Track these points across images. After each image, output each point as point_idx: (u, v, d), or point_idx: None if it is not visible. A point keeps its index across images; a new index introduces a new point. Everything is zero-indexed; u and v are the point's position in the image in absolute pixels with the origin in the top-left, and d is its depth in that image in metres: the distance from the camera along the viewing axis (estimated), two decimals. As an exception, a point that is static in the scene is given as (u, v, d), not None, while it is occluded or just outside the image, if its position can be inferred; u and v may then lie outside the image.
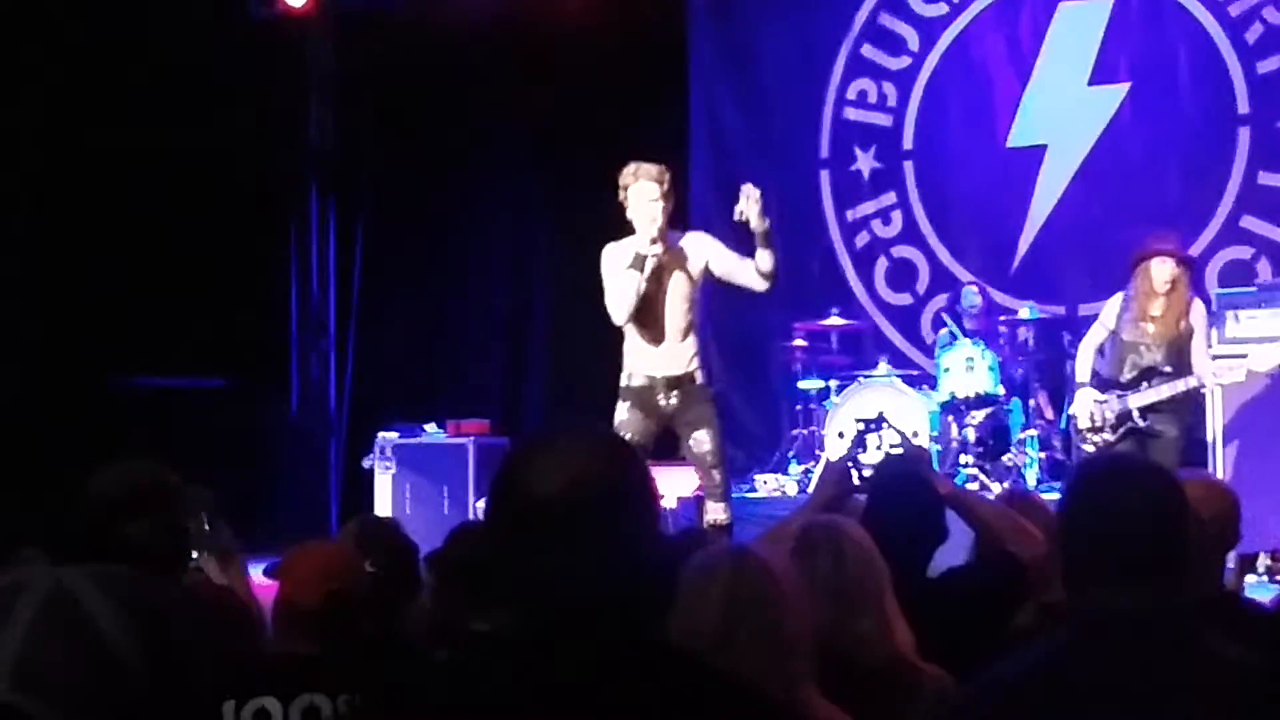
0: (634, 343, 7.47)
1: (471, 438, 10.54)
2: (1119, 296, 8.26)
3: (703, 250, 7.46)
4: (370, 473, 10.69)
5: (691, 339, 7.44)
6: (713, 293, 12.24)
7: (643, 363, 7.43)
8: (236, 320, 11.62)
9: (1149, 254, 8.06)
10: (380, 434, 10.78)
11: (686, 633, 2.73)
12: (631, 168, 7.55)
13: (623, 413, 7.41)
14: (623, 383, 7.55)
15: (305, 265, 12.50)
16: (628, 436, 7.23)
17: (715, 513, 7.26)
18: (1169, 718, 2.30)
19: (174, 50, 10.99)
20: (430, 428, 10.85)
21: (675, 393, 7.33)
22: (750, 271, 7.37)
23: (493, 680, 1.93)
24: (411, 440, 10.74)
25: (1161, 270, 8.00)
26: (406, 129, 12.25)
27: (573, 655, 1.91)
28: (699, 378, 7.42)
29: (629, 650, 1.92)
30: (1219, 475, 8.40)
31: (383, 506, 10.44)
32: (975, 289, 10.56)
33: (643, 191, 7.42)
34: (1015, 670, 2.49)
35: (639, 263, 7.27)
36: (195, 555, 4.28)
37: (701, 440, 7.27)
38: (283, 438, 12.27)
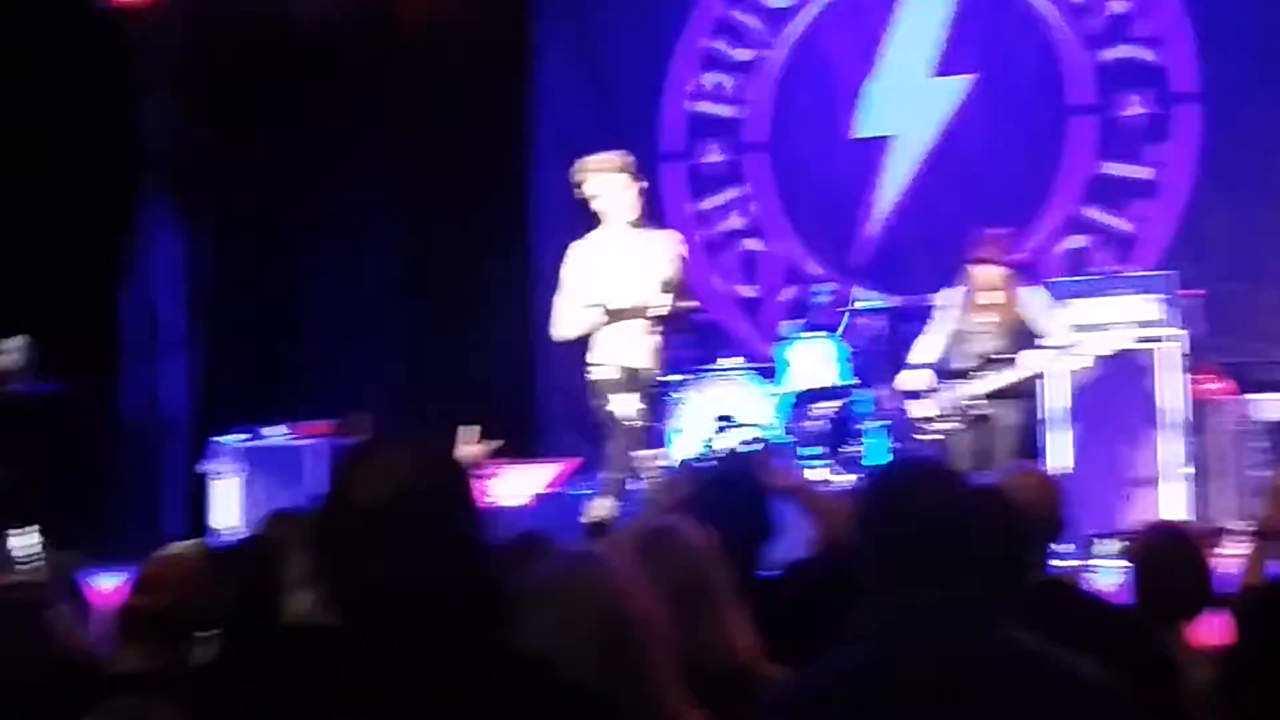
0: (603, 336, 7.45)
1: (317, 439, 10.37)
2: (958, 289, 8.35)
3: (671, 252, 7.46)
4: (210, 478, 10.48)
5: (657, 332, 7.43)
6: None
7: (614, 355, 7.42)
8: (74, 321, 11.34)
9: (974, 259, 8.17)
10: (222, 437, 10.58)
11: (551, 642, 2.68)
12: (587, 163, 7.61)
13: (623, 406, 7.39)
14: (597, 376, 7.53)
15: (145, 264, 12.23)
16: (637, 426, 7.37)
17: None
18: (972, 714, 2.30)
19: (12, 37, 10.68)
20: (276, 430, 10.66)
21: (656, 386, 7.46)
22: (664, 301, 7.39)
23: (325, 688, 1.94)
24: (256, 443, 10.54)
25: (988, 273, 8.12)
26: (251, 125, 12.03)
27: (402, 661, 1.92)
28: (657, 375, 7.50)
29: (462, 655, 1.94)
30: (1059, 457, 8.54)
31: (225, 511, 10.24)
32: (830, 286, 10.58)
33: (609, 184, 7.43)
34: (824, 673, 2.49)
35: (603, 310, 7.30)
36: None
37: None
38: (124, 442, 12.00)
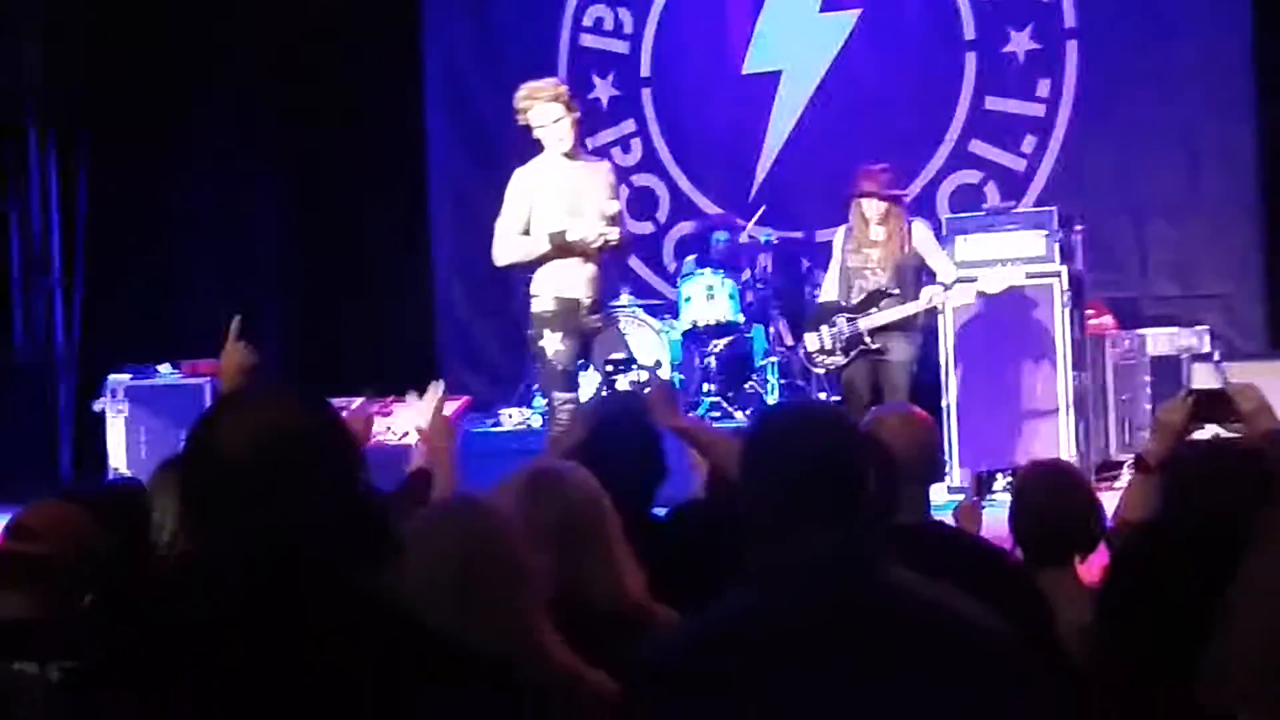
0: (546, 265, 7.38)
1: (207, 378, 10.24)
2: (845, 226, 8.41)
3: (608, 181, 7.50)
4: (103, 416, 10.34)
5: (595, 264, 7.41)
6: (455, 221, 12.18)
7: (558, 284, 7.34)
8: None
9: (856, 194, 8.21)
10: (111, 375, 10.42)
11: (417, 585, 2.67)
12: (525, 90, 7.49)
13: (545, 338, 7.33)
14: (535, 309, 7.44)
15: (25, 201, 11.98)
16: (560, 368, 7.28)
17: None
18: (858, 658, 2.31)
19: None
20: (164, 368, 10.52)
21: (597, 315, 7.39)
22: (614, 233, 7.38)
23: (191, 637, 1.93)
24: (145, 381, 10.38)
25: (871, 206, 8.16)
26: (138, 63, 11.80)
27: (272, 610, 1.91)
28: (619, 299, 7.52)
29: (331, 603, 1.92)
30: (951, 393, 8.63)
31: (115, 451, 10.11)
32: (726, 233, 10.56)
33: (546, 112, 7.34)
34: (709, 622, 2.49)
35: (559, 239, 7.22)
36: None
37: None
38: (7, 381, 11.79)
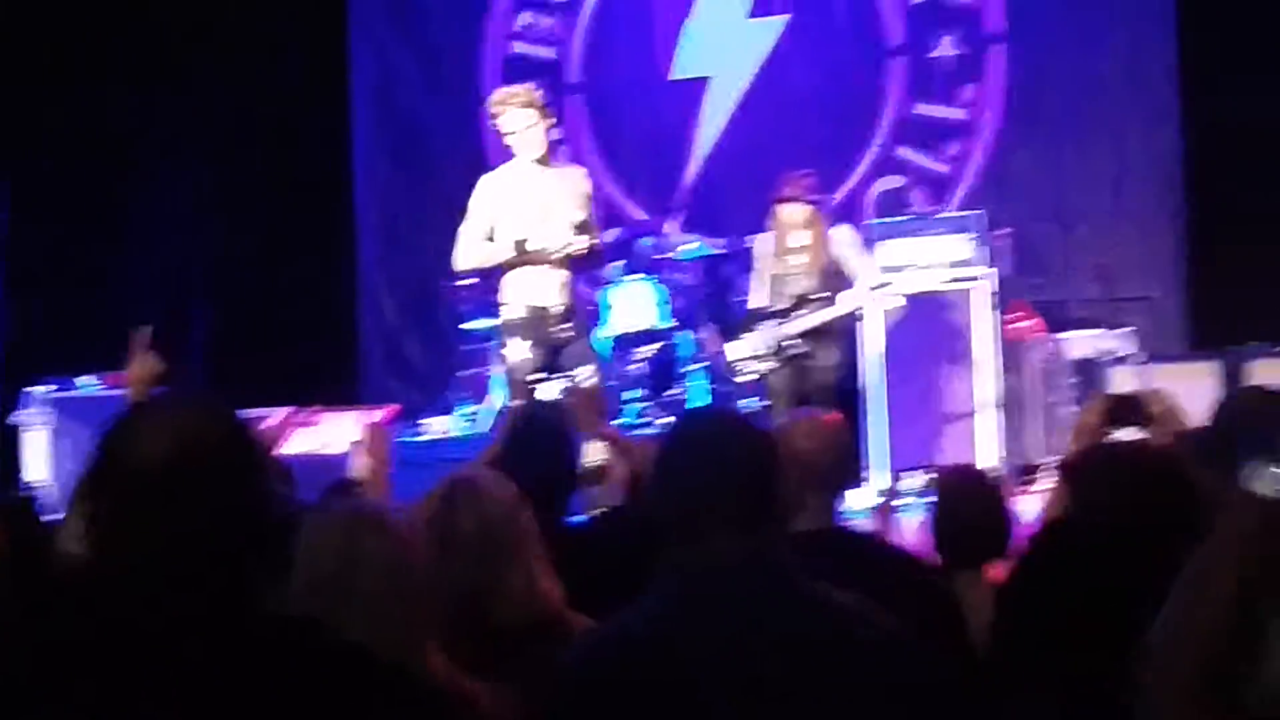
0: (513, 275, 7.28)
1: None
2: (769, 232, 8.41)
3: (579, 190, 7.37)
4: (23, 429, 10.22)
5: (566, 271, 7.29)
6: (382, 229, 12.14)
7: (526, 294, 7.24)
8: None
9: (778, 199, 8.22)
10: (33, 387, 10.30)
11: (306, 588, 2.64)
12: (498, 95, 7.39)
13: (515, 352, 7.23)
14: (503, 316, 7.37)
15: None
16: (519, 377, 7.19)
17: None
18: (770, 665, 2.31)
19: None
20: (87, 379, 10.41)
21: (568, 324, 7.27)
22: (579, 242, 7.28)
23: (85, 647, 1.90)
24: (67, 394, 10.27)
25: (792, 212, 8.16)
26: (58, 71, 11.69)
27: (164, 619, 1.89)
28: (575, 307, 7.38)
29: (222, 613, 1.91)
30: (875, 396, 8.66)
31: (36, 464, 9.98)
32: (652, 239, 10.56)
33: (518, 118, 7.19)
34: (623, 627, 2.48)
35: (522, 248, 7.11)
36: None
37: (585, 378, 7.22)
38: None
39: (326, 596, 2.63)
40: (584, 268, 7.74)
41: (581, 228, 7.23)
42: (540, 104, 7.23)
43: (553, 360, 7.28)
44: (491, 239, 7.33)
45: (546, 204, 7.19)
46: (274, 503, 2.06)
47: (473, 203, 7.39)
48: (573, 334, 7.31)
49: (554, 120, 7.37)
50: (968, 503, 3.91)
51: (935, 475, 4.35)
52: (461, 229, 7.45)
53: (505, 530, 3.32)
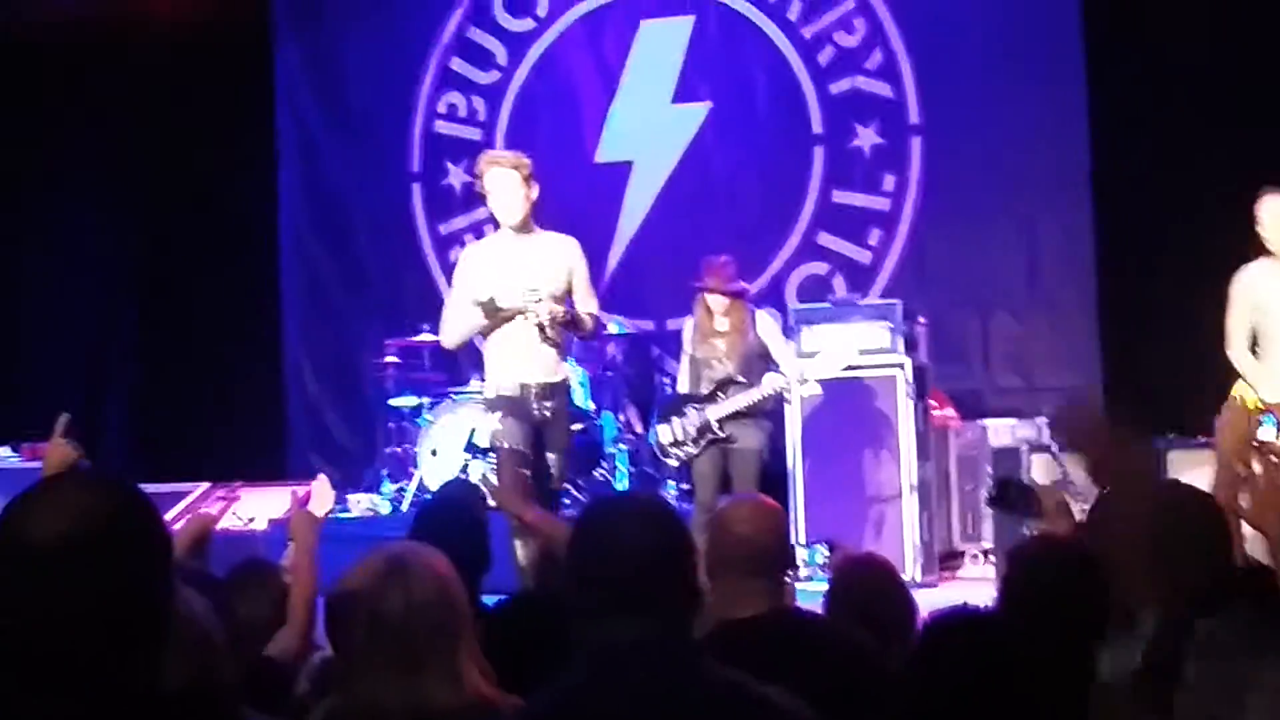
0: (498, 349, 7.10)
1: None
2: (692, 317, 8.47)
3: (570, 260, 7.18)
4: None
5: (557, 345, 7.11)
6: (306, 303, 12.11)
7: (511, 370, 7.07)
8: None
9: (700, 289, 8.29)
10: (-55, 460, 10.18)
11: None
12: (486, 155, 7.30)
13: (499, 423, 7.05)
14: (489, 393, 7.22)
15: None
16: (509, 445, 6.98)
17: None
18: None
19: None
20: (3, 450, 10.30)
21: (549, 403, 7.06)
22: (584, 314, 7.16)
23: None
24: (-19, 466, 10.17)
25: (714, 301, 8.24)
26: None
27: (67, 706, 1.88)
28: (565, 381, 7.24)
29: (114, 692, 1.90)
30: (797, 481, 8.72)
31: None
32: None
33: (498, 181, 7.04)
34: (534, 706, 2.52)
35: (491, 307, 6.90)
36: None
37: (554, 465, 7.07)
38: None
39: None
40: (580, 339, 7.69)
41: (557, 295, 7.00)
42: (525, 172, 7.05)
43: (539, 438, 7.05)
44: None
45: (530, 271, 6.98)
46: (170, 581, 2.04)
47: (456, 275, 7.25)
48: (550, 412, 7.06)
49: (535, 190, 7.08)
50: (864, 589, 3.95)
51: (833, 552, 4.36)
52: (447, 302, 7.36)
53: (434, 612, 3.31)
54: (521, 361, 7.06)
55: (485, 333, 7.11)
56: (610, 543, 2.50)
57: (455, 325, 7.24)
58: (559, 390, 7.16)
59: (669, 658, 2.44)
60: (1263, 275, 7.38)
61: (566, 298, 7.09)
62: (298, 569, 4.14)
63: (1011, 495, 4.00)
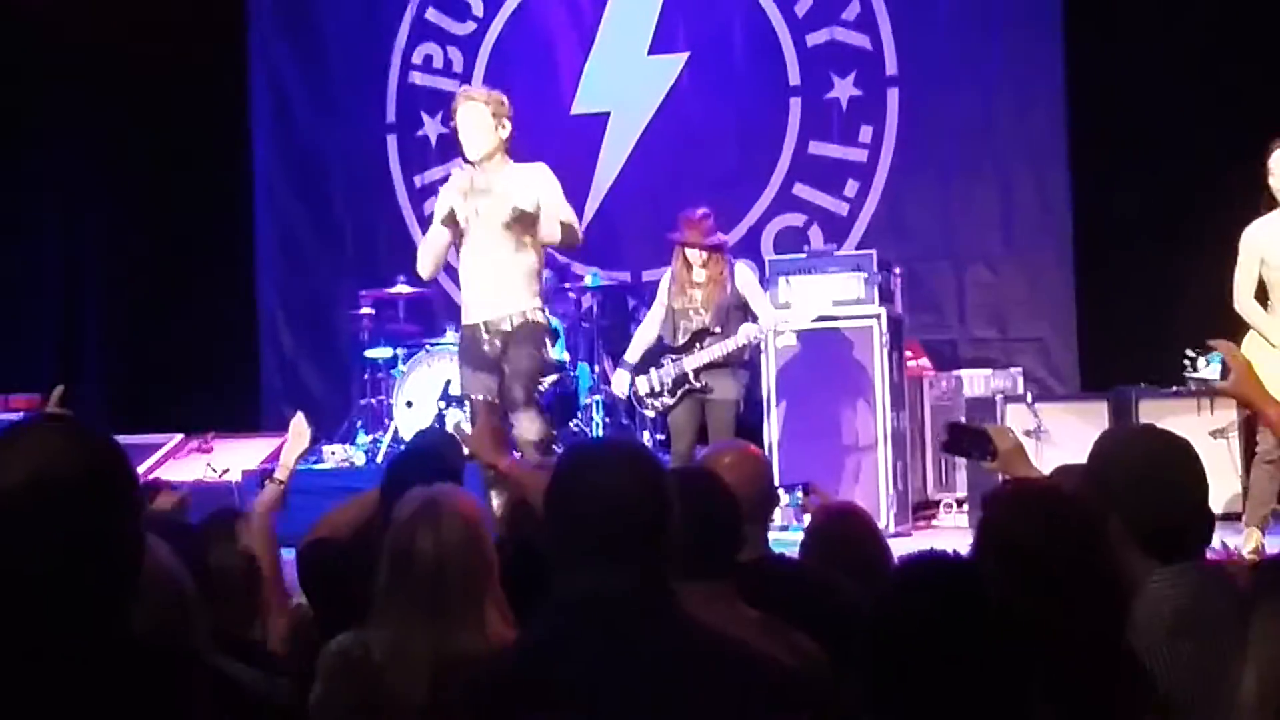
0: (463, 290, 7.13)
1: (21, 413, 10.03)
2: (669, 268, 8.49)
3: (538, 182, 6.98)
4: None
5: (518, 278, 6.98)
6: (280, 256, 12.08)
7: (470, 309, 7.06)
8: None
9: (678, 242, 8.30)
10: (-80, 412, 10.16)
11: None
12: (461, 89, 7.27)
13: (460, 378, 7.06)
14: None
15: None
16: (476, 395, 6.97)
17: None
18: (647, 691, 2.35)
19: None
20: (-21, 403, 10.28)
21: (498, 340, 6.97)
22: (553, 224, 6.97)
23: None
24: (-45, 418, 10.14)
25: (692, 253, 8.27)
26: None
27: (34, 647, 1.90)
28: (527, 317, 7.00)
29: (82, 640, 1.92)
30: (773, 431, 8.75)
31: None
32: (549, 271, 10.55)
33: (467, 115, 7.00)
34: (515, 653, 2.52)
35: (450, 218, 6.90)
36: None
37: (510, 388, 6.91)
38: None
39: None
40: (558, 248, 7.55)
41: (525, 215, 6.87)
42: (496, 108, 7.00)
43: (499, 380, 6.97)
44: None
45: (497, 195, 6.93)
46: (137, 527, 2.04)
47: (435, 209, 7.24)
48: (498, 347, 6.96)
49: (507, 128, 7.05)
50: (840, 537, 3.96)
51: (808, 497, 4.35)
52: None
53: (463, 556, 3.25)
54: (479, 300, 7.06)
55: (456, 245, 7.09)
56: (589, 489, 2.49)
57: (424, 250, 7.24)
58: (518, 327, 6.99)
59: (647, 606, 2.43)
60: (1271, 229, 7.35)
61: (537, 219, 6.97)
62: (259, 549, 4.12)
63: (963, 439, 3.99)
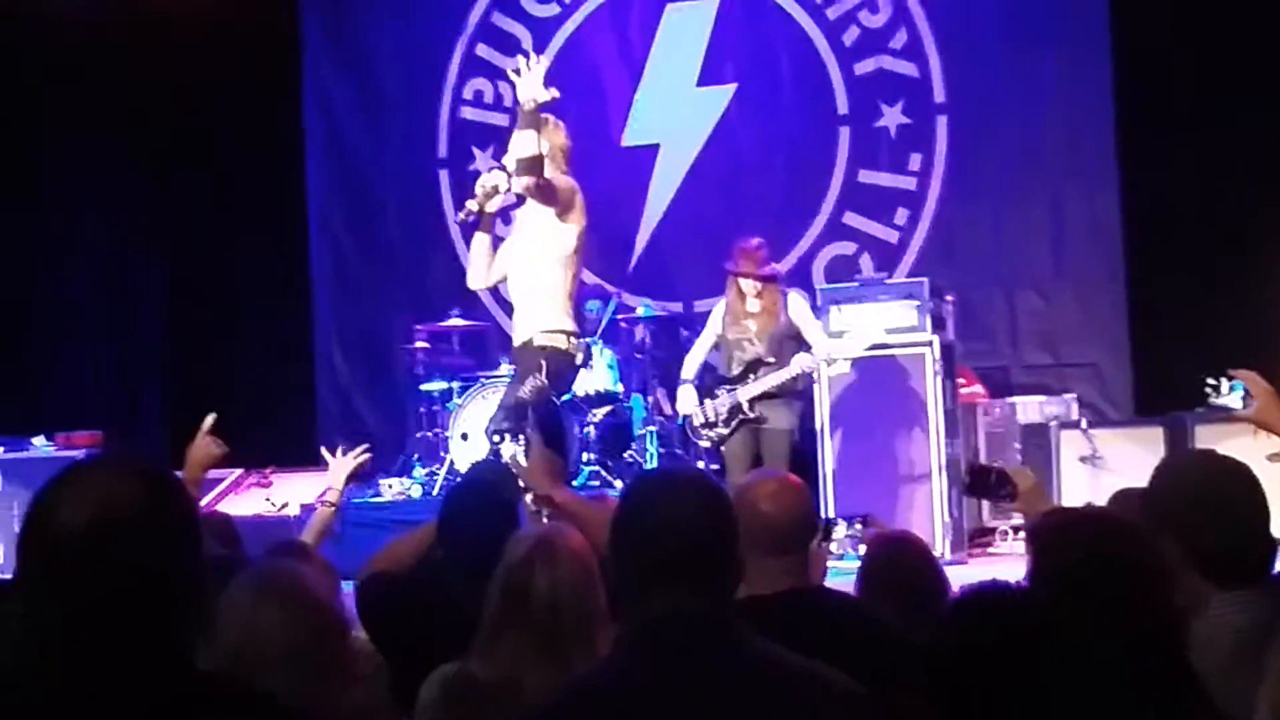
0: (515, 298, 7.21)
1: (83, 450, 10.10)
2: (723, 298, 8.52)
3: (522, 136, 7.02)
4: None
5: (547, 299, 7.05)
6: (335, 289, 12.16)
7: (515, 331, 7.17)
8: None
9: (732, 273, 8.34)
10: (-18, 448, 10.25)
11: (219, 650, 2.70)
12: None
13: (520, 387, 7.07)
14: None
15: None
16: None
17: None
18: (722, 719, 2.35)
19: None
20: (38, 440, 10.35)
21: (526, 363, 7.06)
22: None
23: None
24: (18, 454, 10.21)
25: (746, 283, 8.30)
26: (8, 121, 11.68)
27: (99, 687, 1.90)
28: (548, 341, 7.02)
29: (148, 675, 1.92)
30: (828, 460, 8.75)
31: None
32: (600, 303, 10.61)
33: (515, 140, 7.10)
34: (581, 681, 2.53)
35: (484, 224, 7.04)
36: None
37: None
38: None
39: (233, 659, 2.67)
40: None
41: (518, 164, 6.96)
42: (541, 129, 7.07)
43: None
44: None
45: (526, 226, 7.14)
46: (199, 565, 2.03)
47: None
48: (541, 368, 6.98)
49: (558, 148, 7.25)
50: (897, 567, 3.95)
51: (865, 528, 4.34)
52: None
53: (578, 594, 3.26)
54: (515, 324, 7.18)
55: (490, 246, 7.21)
56: (657, 517, 2.48)
57: (469, 264, 7.41)
58: (541, 347, 7.03)
59: (716, 632, 2.43)
60: None
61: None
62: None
63: (986, 480, 4.00)
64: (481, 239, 7.20)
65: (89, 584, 1.89)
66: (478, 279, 7.43)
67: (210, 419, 4.89)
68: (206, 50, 11.52)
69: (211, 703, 1.98)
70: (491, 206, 7.11)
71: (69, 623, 1.91)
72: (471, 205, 7.09)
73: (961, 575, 4.65)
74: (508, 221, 8.12)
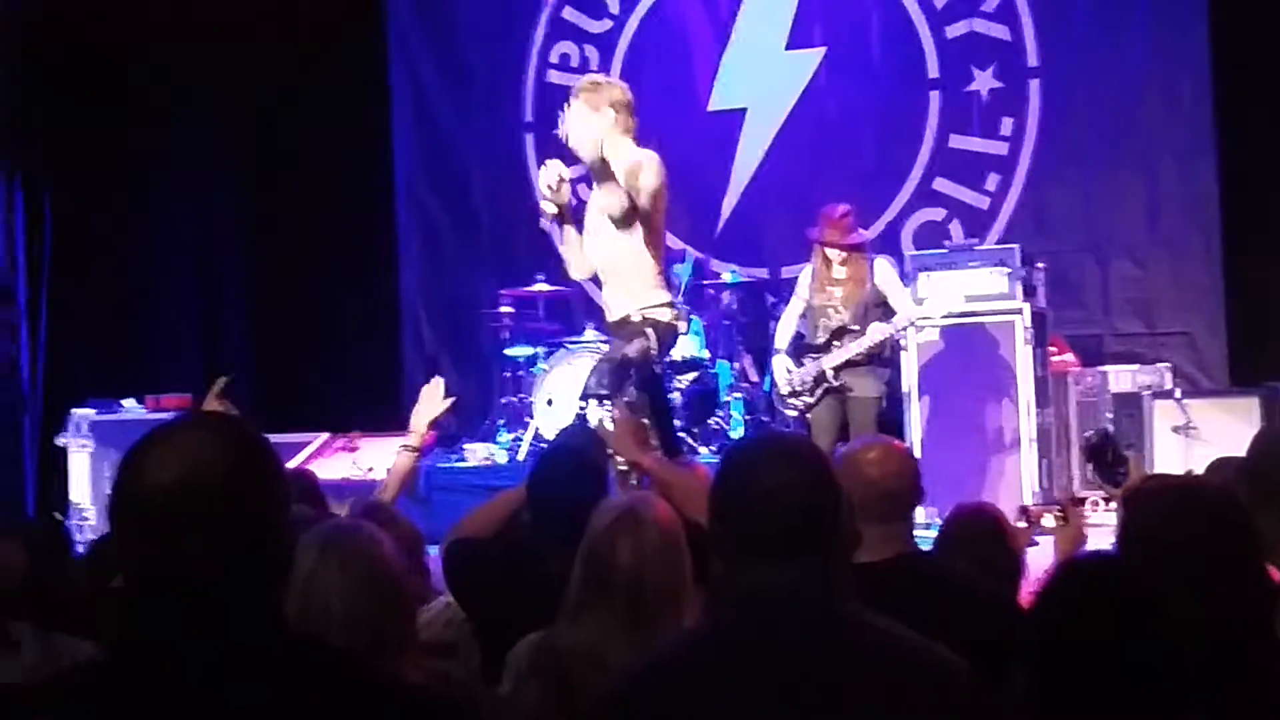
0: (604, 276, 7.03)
1: (172, 412, 10.20)
2: (809, 265, 8.46)
3: (625, 166, 6.78)
4: (67, 452, 10.28)
5: (634, 275, 6.84)
6: (422, 256, 12.20)
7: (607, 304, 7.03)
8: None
9: (818, 241, 8.25)
10: (75, 410, 10.38)
11: (304, 610, 2.72)
12: (579, 81, 7.06)
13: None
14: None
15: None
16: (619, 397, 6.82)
17: None
18: (818, 692, 2.32)
19: None
20: (129, 402, 10.47)
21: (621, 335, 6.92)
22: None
23: (123, 678, 1.92)
24: (109, 416, 10.32)
25: (832, 250, 8.22)
26: (98, 90, 11.77)
27: (191, 645, 1.91)
28: (645, 315, 6.82)
29: (244, 635, 1.93)
30: (915, 428, 8.67)
31: (80, 486, 10.06)
32: (685, 265, 10.55)
33: (575, 113, 6.88)
34: (676, 649, 2.50)
35: (565, 216, 6.88)
36: None
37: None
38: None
39: (298, 618, 2.67)
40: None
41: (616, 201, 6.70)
42: (601, 100, 6.86)
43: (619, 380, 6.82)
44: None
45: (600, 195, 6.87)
46: (288, 524, 2.04)
47: None
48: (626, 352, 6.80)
49: (620, 122, 6.89)
50: (972, 539, 3.93)
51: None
52: None
53: (663, 565, 3.24)
54: (608, 298, 7.05)
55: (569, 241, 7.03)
56: (757, 485, 2.43)
57: (565, 260, 7.20)
58: (635, 323, 6.84)
59: (815, 604, 2.39)
60: None
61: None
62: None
63: (1108, 455, 3.97)
64: (569, 231, 7.06)
65: (180, 545, 1.90)
66: (579, 269, 7.20)
67: (222, 381, 4.88)
68: (292, 11, 11.54)
69: (307, 665, 1.98)
70: (563, 198, 6.93)
71: (162, 584, 1.92)
72: (546, 208, 6.92)
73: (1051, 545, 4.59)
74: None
